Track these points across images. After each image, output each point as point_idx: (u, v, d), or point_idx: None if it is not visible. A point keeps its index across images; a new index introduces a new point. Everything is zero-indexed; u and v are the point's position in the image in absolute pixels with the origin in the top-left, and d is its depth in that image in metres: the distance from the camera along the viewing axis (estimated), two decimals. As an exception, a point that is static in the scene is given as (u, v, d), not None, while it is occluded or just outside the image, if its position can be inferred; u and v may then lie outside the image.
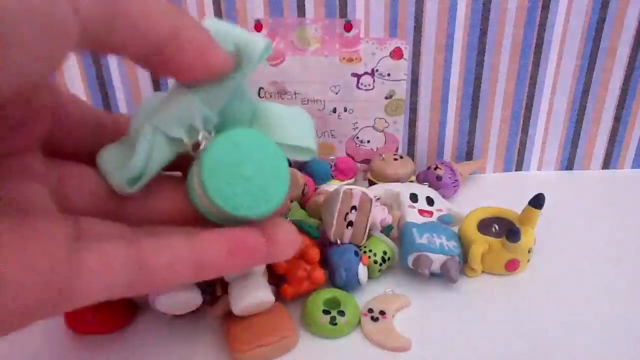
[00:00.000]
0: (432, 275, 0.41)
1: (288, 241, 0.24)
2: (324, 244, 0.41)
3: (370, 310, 0.38)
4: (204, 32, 0.21)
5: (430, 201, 0.46)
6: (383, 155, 0.54)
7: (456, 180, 0.53)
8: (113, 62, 0.52)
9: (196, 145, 0.22)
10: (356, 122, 0.56)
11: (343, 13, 0.51)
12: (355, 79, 0.53)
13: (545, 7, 0.51)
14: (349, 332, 0.37)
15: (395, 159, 0.53)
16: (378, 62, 0.53)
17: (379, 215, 0.42)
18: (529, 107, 0.56)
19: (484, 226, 0.44)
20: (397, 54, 0.52)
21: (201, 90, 0.22)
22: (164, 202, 0.24)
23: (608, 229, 0.49)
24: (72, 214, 0.21)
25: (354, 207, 0.40)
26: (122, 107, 0.54)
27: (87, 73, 0.52)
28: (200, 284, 0.35)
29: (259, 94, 0.53)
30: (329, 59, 0.52)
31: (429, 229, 0.42)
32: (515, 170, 0.60)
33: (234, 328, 0.35)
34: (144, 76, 0.53)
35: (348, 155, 0.58)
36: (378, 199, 0.46)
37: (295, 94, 0.53)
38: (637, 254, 0.45)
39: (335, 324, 0.36)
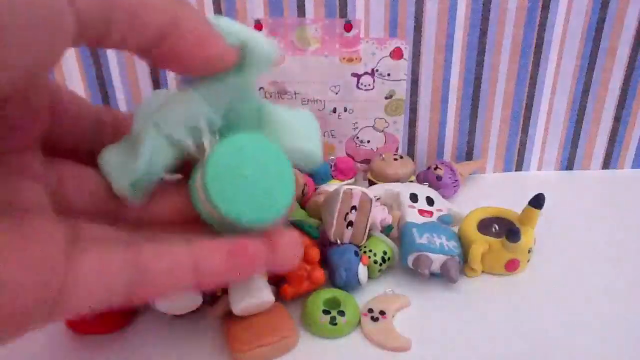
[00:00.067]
0: (432, 275, 0.41)
1: (290, 250, 0.23)
2: (324, 244, 0.41)
3: (370, 310, 0.38)
4: (204, 21, 0.20)
5: (430, 201, 0.46)
6: (383, 155, 0.54)
7: (456, 180, 0.53)
8: (113, 62, 0.52)
9: (201, 149, 0.22)
10: (356, 122, 0.56)
11: (343, 13, 0.51)
12: (355, 79, 0.53)
13: (545, 7, 0.51)
14: (349, 332, 0.37)
15: (395, 159, 0.53)
16: (378, 62, 0.53)
17: (379, 215, 0.42)
18: (529, 107, 0.56)
19: (484, 226, 0.44)
20: (397, 54, 0.52)
21: (206, 93, 0.22)
22: (165, 206, 0.24)
23: (608, 229, 0.49)
24: (71, 215, 0.21)
25: (354, 207, 0.40)
26: (122, 107, 0.54)
27: (87, 73, 0.52)
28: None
29: (259, 94, 0.54)
30: (329, 59, 0.52)
31: (429, 229, 0.42)
32: (515, 170, 0.60)
33: (234, 328, 0.35)
34: (144, 76, 0.53)
35: (348, 155, 0.58)
36: (378, 199, 0.46)
37: (295, 94, 0.53)
38: (637, 254, 0.45)
39: (335, 324, 0.36)
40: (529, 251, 0.42)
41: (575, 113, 0.57)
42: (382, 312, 0.38)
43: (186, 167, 0.24)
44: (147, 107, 0.24)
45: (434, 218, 0.44)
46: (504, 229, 0.42)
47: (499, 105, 0.56)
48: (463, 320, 0.38)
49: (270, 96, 0.54)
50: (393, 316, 0.38)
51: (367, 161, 0.58)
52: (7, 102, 0.19)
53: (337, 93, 0.54)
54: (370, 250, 0.41)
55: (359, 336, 0.37)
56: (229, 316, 0.36)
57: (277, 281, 0.38)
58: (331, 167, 0.53)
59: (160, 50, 0.19)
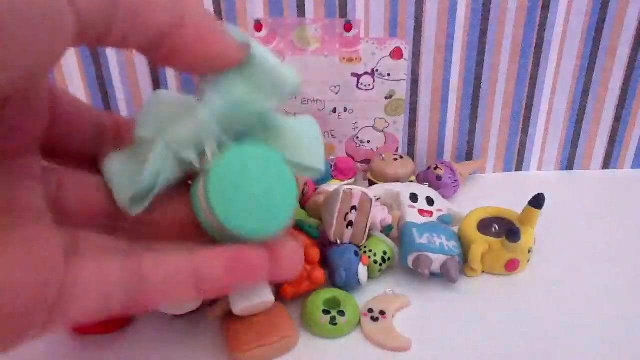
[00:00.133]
0: (432, 275, 0.41)
1: (292, 261, 0.23)
2: (324, 244, 0.41)
3: (370, 310, 0.38)
4: (208, 17, 0.20)
5: (430, 201, 0.46)
6: (383, 155, 0.54)
7: (456, 180, 0.53)
8: (113, 62, 0.52)
9: (203, 158, 0.22)
10: (356, 122, 0.56)
11: (343, 13, 0.51)
12: (355, 79, 0.53)
13: (545, 7, 0.51)
14: (349, 332, 0.37)
15: (395, 159, 0.53)
16: (378, 62, 0.53)
17: (379, 215, 0.42)
18: (529, 107, 0.56)
19: (484, 226, 0.44)
20: (397, 54, 0.52)
21: (222, 116, 0.22)
22: (166, 215, 0.23)
23: (608, 229, 0.49)
24: (70, 222, 0.20)
25: (354, 207, 0.40)
26: (122, 107, 0.54)
27: (87, 73, 0.52)
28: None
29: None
30: (329, 59, 0.52)
31: (429, 229, 0.42)
32: (515, 170, 0.60)
33: (234, 328, 0.35)
34: (144, 76, 0.53)
35: (348, 155, 0.58)
36: (378, 199, 0.46)
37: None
38: (637, 254, 0.45)
39: (335, 324, 0.36)
40: (529, 251, 0.42)
41: (575, 113, 0.57)
42: (382, 312, 0.38)
43: (188, 176, 0.23)
44: (150, 113, 0.23)
45: (434, 218, 0.44)
46: (504, 229, 0.42)
47: (499, 105, 0.56)
48: (463, 320, 0.38)
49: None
50: (393, 316, 0.38)
51: (367, 161, 0.58)
52: (7, 102, 0.19)
53: (337, 93, 0.54)
54: (370, 250, 0.41)
55: (359, 336, 0.37)
56: (229, 316, 0.36)
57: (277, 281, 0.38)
58: (331, 167, 0.53)
59: (162, 48, 0.19)
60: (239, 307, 0.34)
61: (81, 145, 0.23)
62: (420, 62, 0.53)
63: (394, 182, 0.51)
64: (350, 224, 0.40)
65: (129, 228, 0.23)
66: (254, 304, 0.35)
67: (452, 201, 0.52)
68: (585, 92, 0.56)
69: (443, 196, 0.49)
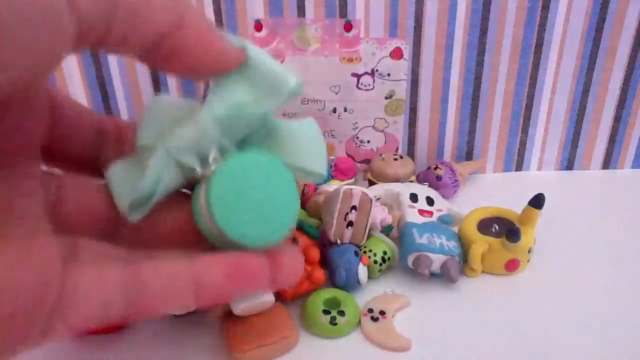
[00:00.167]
0: (432, 275, 0.41)
1: (293, 268, 0.23)
2: (324, 244, 0.41)
3: (370, 310, 0.38)
4: (206, 20, 0.20)
5: (430, 201, 0.46)
6: (383, 155, 0.54)
7: (456, 180, 0.53)
8: (113, 62, 0.52)
9: (205, 165, 0.22)
10: (356, 122, 0.56)
11: (343, 13, 0.51)
12: (355, 79, 0.53)
13: (545, 7, 0.51)
14: (349, 332, 0.37)
15: (395, 159, 0.53)
16: (378, 62, 0.53)
17: (379, 215, 0.42)
18: (529, 107, 0.56)
19: (484, 226, 0.44)
20: (397, 54, 0.52)
21: (223, 120, 0.21)
22: (167, 221, 0.23)
23: (608, 229, 0.49)
24: (70, 228, 0.20)
25: (354, 207, 0.40)
26: (122, 107, 0.54)
27: (87, 73, 0.52)
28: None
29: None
30: (329, 59, 0.52)
31: (429, 229, 0.42)
32: (515, 170, 0.60)
33: (234, 328, 0.35)
34: (144, 76, 0.53)
35: (348, 155, 0.58)
36: (378, 199, 0.46)
37: (295, 94, 0.53)
38: (637, 254, 0.45)
39: (335, 324, 0.36)
40: (529, 251, 0.42)
41: (575, 113, 0.57)
42: (382, 312, 0.38)
43: (189, 182, 0.23)
44: (151, 119, 0.23)
45: (434, 218, 0.44)
46: (504, 229, 0.42)
47: (499, 105, 0.56)
48: (463, 320, 0.38)
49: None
50: (393, 316, 0.38)
51: (367, 161, 0.58)
52: (7, 104, 0.19)
53: (337, 93, 0.54)
54: (370, 250, 0.41)
55: (359, 336, 0.37)
56: (229, 316, 0.36)
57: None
58: (331, 167, 0.53)
59: (161, 51, 0.19)
60: (239, 307, 0.34)
61: (82, 148, 0.23)
62: (420, 62, 0.53)
63: (394, 182, 0.51)
64: (350, 224, 0.40)
65: (129, 234, 0.22)
66: (254, 304, 0.35)
67: (452, 201, 0.52)
68: (585, 92, 0.56)
69: (443, 196, 0.49)
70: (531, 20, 0.51)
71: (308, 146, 0.24)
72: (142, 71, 0.53)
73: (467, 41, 0.52)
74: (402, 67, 0.53)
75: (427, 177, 0.53)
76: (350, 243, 0.41)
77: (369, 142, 0.57)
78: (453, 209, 0.47)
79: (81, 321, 0.18)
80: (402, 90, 0.54)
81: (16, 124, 0.19)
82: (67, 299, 0.18)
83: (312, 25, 0.51)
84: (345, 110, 0.55)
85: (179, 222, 0.23)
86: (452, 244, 0.41)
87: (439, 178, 0.52)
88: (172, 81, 0.54)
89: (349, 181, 0.53)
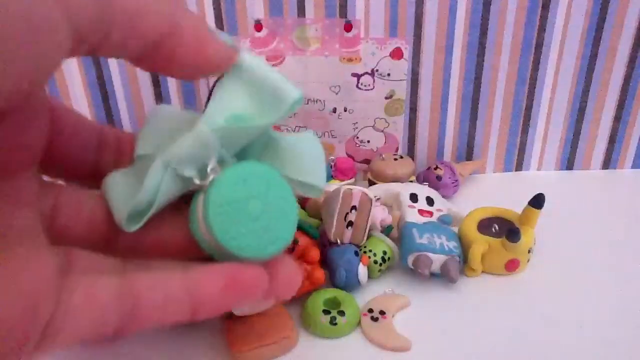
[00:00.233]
0: (432, 275, 0.41)
1: (290, 279, 0.23)
2: (324, 244, 0.41)
3: (370, 310, 0.38)
4: (202, 23, 0.20)
5: (430, 201, 0.46)
6: (383, 155, 0.54)
7: (456, 180, 0.53)
8: (113, 63, 0.52)
9: (203, 175, 0.21)
10: (356, 122, 0.56)
11: (343, 13, 0.51)
12: (355, 79, 0.53)
13: (545, 7, 0.51)
14: (349, 332, 0.37)
15: (395, 159, 0.53)
16: (378, 62, 0.53)
17: (379, 215, 0.42)
18: (529, 107, 0.56)
19: (484, 226, 0.44)
20: (397, 54, 0.52)
21: (222, 132, 0.21)
22: (163, 233, 0.23)
23: (608, 229, 0.49)
24: (66, 240, 0.20)
25: (354, 207, 0.40)
26: (122, 107, 0.54)
27: (87, 73, 0.52)
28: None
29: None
30: (329, 59, 0.52)
31: (429, 229, 0.42)
32: (515, 170, 0.60)
33: (234, 328, 0.35)
34: (144, 76, 0.53)
35: (348, 155, 0.58)
36: (378, 199, 0.46)
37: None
38: (637, 254, 0.45)
39: (335, 324, 0.36)
40: (529, 251, 0.42)
41: (575, 113, 0.57)
42: (382, 312, 0.38)
43: (188, 193, 0.23)
44: (150, 130, 0.23)
45: (434, 218, 0.44)
46: (504, 229, 0.42)
47: (499, 105, 0.56)
48: (463, 320, 0.38)
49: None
50: (393, 316, 0.38)
51: (367, 161, 0.58)
52: (6, 116, 0.18)
53: (337, 93, 0.54)
54: (370, 250, 0.41)
55: (359, 336, 0.37)
56: (229, 316, 0.36)
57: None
58: (331, 167, 0.53)
59: (158, 55, 0.19)
60: (239, 307, 0.34)
61: (81, 159, 0.23)
62: (420, 62, 0.53)
63: (394, 182, 0.51)
64: (350, 224, 0.40)
65: (125, 245, 0.22)
66: (254, 304, 0.35)
67: (452, 201, 0.52)
68: (585, 92, 0.56)
69: (443, 196, 0.49)
70: (531, 20, 0.51)
71: (308, 159, 0.24)
72: (142, 71, 0.53)
73: (467, 41, 0.52)
74: (402, 67, 0.53)
75: (427, 177, 0.53)
76: (350, 243, 0.41)
77: (369, 142, 0.57)
78: (453, 209, 0.47)
79: (75, 336, 0.18)
80: (402, 90, 0.54)
81: (15, 135, 0.19)
82: (60, 316, 0.17)
83: (312, 25, 0.51)
84: (345, 110, 0.55)
85: (175, 233, 0.23)
86: (452, 244, 0.41)
87: (439, 178, 0.52)
88: (172, 81, 0.54)
89: (349, 181, 0.53)
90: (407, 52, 0.52)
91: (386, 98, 0.54)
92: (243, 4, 0.50)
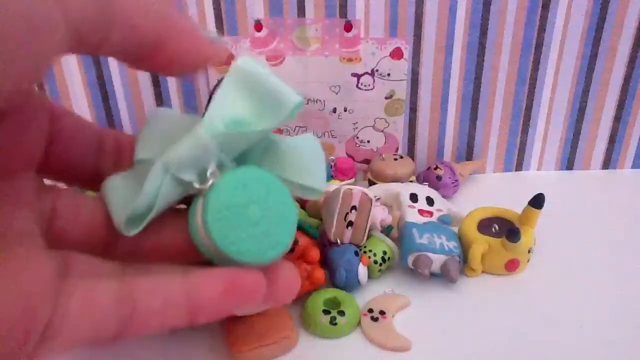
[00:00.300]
0: (432, 275, 0.41)
1: (289, 284, 0.23)
2: (324, 244, 0.41)
3: (370, 310, 0.38)
4: (194, 23, 0.20)
5: (430, 201, 0.46)
6: (383, 155, 0.54)
7: (456, 180, 0.53)
8: (113, 62, 0.52)
9: (202, 179, 0.21)
10: (356, 122, 0.56)
11: (343, 13, 0.51)
12: (355, 79, 0.53)
13: (545, 7, 0.51)
14: (349, 332, 0.37)
15: (395, 159, 0.53)
16: (378, 62, 0.53)
17: (379, 215, 0.42)
18: (529, 107, 0.56)
19: (484, 226, 0.44)
20: (397, 54, 0.52)
21: (222, 137, 0.21)
22: (163, 238, 0.23)
23: (608, 229, 0.49)
24: (64, 244, 0.20)
25: (354, 207, 0.40)
26: (122, 107, 0.54)
27: (87, 73, 0.52)
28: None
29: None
30: (329, 59, 0.52)
31: (429, 229, 0.42)
32: (515, 170, 0.60)
33: (234, 328, 0.35)
34: (144, 76, 0.53)
35: (348, 155, 0.58)
36: (378, 199, 0.46)
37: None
38: (637, 254, 0.45)
39: (335, 324, 0.36)
40: (529, 251, 0.42)
41: (575, 113, 0.57)
42: (382, 312, 0.38)
43: (187, 197, 0.23)
44: (149, 133, 0.23)
45: (434, 218, 0.44)
46: (504, 229, 0.42)
47: (499, 105, 0.56)
48: (463, 320, 0.38)
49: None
50: (393, 316, 0.38)
51: (367, 161, 0.58)
52: (4, 118, 0.18)
53: (337, 93, 0.54)
54: (370, 250, 0.41)
55: (359, 336, 0.37)
56: (229, 316, 0.36)
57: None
58: (331, 167, 0.53)
59: (158, 54, 0.19)
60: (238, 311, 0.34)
61: (81, 161, 0.23)
62: (420, 62, 0.53)
63: (394, 182, 0.51)
64: (350, 224, 0.40)
65: (123, 249, 0.22)
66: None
67: (452, 201, 0.52)
68: (585, 92, 0.56)
69: (443, 196, 0.49)
70: (531, 20, 0.51)
71: (308, 162, 0.24)
72: (142, 72, 0.52)
73: (467, 41, 0.52)
74: (402, 67, 0.53)
75: (427, 177, 0.53)
76: (350, 243, 0.41)
77: (369, 142, 0.57)
78: (453, 209, 0.47)
79: (73, 341, 0.18)
80: (402, 90, 0.54)
81: (15, 135, 0.19)
82: (58, 321, 0.17)
83: (312, 25, 0.51)
84: (345, 110, 0.55)
85: (175, 237, 0.23)
86: (452, 244, 0.41)
87: (439, 178, 0.52)
88: (172, 82, 0.54)
89: (349, 181, 0.53)
90: (407, 52, 0.52)
91: (386, 98, 0.54)
92: (243, 4, 0.50)
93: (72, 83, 0.53)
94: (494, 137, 0.58)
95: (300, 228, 0.41)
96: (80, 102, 0.54)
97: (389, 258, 0.42)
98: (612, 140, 0.58)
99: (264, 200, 0.22)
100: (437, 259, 0.40)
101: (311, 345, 0.36)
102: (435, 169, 0.53)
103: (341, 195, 0.40)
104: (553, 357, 0.35)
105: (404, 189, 0.47)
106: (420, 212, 0.45)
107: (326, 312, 0.37)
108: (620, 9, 0.51)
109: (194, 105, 0.55)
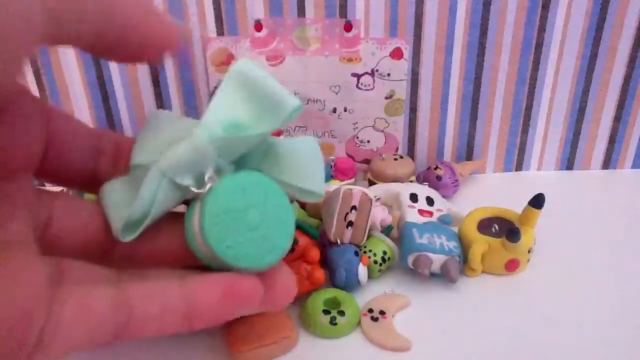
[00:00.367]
0: (432, 275, 0.41)
1: (286, 289, 0.22)
2: (324, 244, 0.41)
3: (370, 310, 0.38)
4: (157, 7, 0.20)
5: (430, 201, 0.46)
6: (383, 155, 0.54)
7: (456, 180, 0.53)
8: (113, 62, 0.52)
9: (200, 184, 0.21)
10: (356, 122, 0.56)
11: (343, 13, 0.51)
12: (355, 79, 0.53)
13: (545, 7, 0.51)
14: (349, 332, 0.37)
15: (395, 159, 0.53)
16: (378, 62, 0.53)
17: (379, 215, 0.42)
18: (529, 107, 0.56)
19: (484, 226, 0.44)
20: (397, 54, 0.52)
21: (220, 141, 0.21)
22: (160, 243, 0.23)
23: (608, 228, 0.49)
24: (60, 249, 0.20)
25: (354, 207, 0.40)
26: (122, 107, 0.54)
27: (87, 73, 0.52)
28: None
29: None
30: (329, 59, 0.52)
31: (429, 229, 0.42)
32: (515, 170, 0.60)
33: (234, 328, 0.35)
34: (144, 76, 0.53)
35: (348, 155, 0.58)
36: (378, 199, 0.46)
37: (295, 94, 0.53)
38: (637, 254, 0.45)
39: (335, 324, 0.36)
40: (529, 251, 0.42)
41: (575, 113, 0.57)
42: (382, 312, 0.38)
43: (185, 202, 0.23)
44: (147, 137, 0.23)
45: (434, 218, 0.44)
46: (504, 229, 0.42)
47: (499, 105, 0.56)
48: (463, 320, 0.38)
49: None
50: (393, 316, 0.38)
51: (367, 161, 0.58)
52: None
53: (337, 93, 0.54)
54: (370, 250, 0.41)
55: (359, 336, 0.37)
56: (228, 316, 0.36)
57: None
58: (331, 167, 0.53)
59: (133, 42, 0.19)
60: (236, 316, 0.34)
61: (80, 165, 0.23)
62: (420, 62, 0.53)
63: (394, 182, 0.51)
64: (350, 224, 0.40)
65: (120, 254, 0.22)
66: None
67: (452, 201, 0.52)
68: (585, 92, 0.56)
69: (443, 196, 0.49)
70: (531, 20, 0.51)
71: (307, 165, 0.24)
72: (142, 71, 0.53)
73: (467, 41, 0.52)
74: (402, 67, 0.53)
75: (427, 177, 0.53)
76: (350, 243, 0.41)
77: (369, 142, 0.57)
78: (453, 209, 0.47)
79: (68, 347, 0.18)
80: (402, 90, 0.54)
81: (12, 136, 0.19)
82: (52, 327, 0.17)
83: (312, 25, 0.51)
84: (345, 110, 0.55)
85: (172, 242, 0.23)
86: (452, 244, 0.41)
87: (439, 178, 0.52)
88: (172, 82, 0.54)
89: (349, 181, 0.53)
90: (407, 52, 0.52)
91: (386, 98, 0.54)
92: (243, 4, 0.50)
93: (72, 83, 0.53)
94: (494, 137, 0.58)
95: (300, 228, 0.41)
96: (80, 103, 0.54)
97: (389, 258, 0.42)
98: (612, 140, 0.58)
99: (263, 205, 0.21)
100: (437, 259, 0.40)
101: (311, 345, 0.36)
102: (435, 169, 0.53)
103: (341, 195, 0.40)
104: (553, 357, 0.35)
105: (404, 189, 0.47)
106: (420, 212, 0.45)
107: (326, 312, 0.37)
108: (620, 9, 0.51)
109: (194, 106, 0.55)
